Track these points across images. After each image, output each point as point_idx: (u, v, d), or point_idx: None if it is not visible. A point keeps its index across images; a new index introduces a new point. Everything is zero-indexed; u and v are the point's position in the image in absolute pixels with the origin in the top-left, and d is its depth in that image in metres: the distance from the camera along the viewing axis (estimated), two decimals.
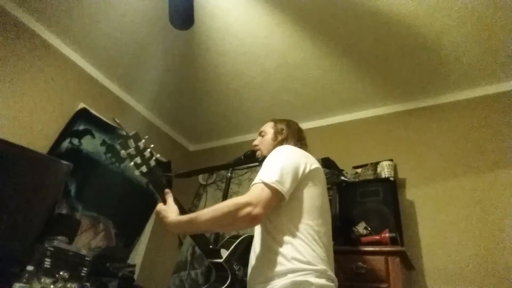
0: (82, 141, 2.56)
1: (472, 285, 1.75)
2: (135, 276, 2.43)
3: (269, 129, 1.53)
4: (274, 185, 1.04)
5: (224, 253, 1.26)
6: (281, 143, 1.39)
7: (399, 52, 2.16)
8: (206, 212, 1.05)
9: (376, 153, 2.37)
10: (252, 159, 1.56)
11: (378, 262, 1.64)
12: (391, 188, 1.99)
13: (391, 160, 2.20)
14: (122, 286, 2.13)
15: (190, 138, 3.62)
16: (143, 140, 1.13)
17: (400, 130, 2.47)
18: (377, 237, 1.72)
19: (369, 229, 1.79)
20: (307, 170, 1.16)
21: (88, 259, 1.83)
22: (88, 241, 2.47)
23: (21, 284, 1.51)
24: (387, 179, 2.07)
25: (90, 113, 2.66)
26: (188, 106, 3.08)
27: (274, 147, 1.35)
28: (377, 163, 2.22)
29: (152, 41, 2.44)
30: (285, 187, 1.06)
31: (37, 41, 2.43)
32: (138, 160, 1.11)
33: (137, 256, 2.87)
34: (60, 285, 1.63)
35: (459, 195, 2.02)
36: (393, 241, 1.70)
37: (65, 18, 2.36)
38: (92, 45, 2.57)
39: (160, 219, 1.15)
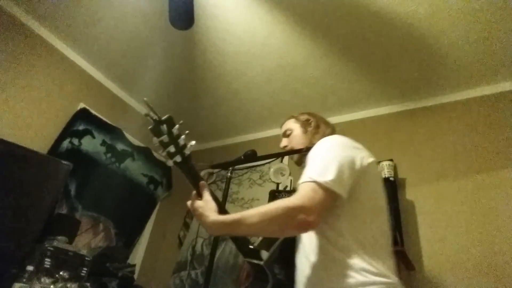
0: (82, 141, 2.56)
1: (472, 285, 1.75)
2: (135, 276, 2.43)
3: (292, 124, 1.38)
4: (329, 186, 0.90)
5: (264, 254, 1.13)
6: (316, 132, 1.27)
7: (399, 52, 2.16)
8: (253, 214, 0.91)
9: (376, 153, 2.34)
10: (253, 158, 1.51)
11: None
12: (391, 188, 1.99)
13: (391, 160, 2.20)
14: (122, 286, 2.13)
15: (189, 138, 3.62)
16: (177, 126, 0.97)
17: (400, 130, 2.47)
18: None
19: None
20: (364, 164, 1.02)
21: (88, 259, 1.83)
22: (88, 241, 2.47)
23: (21, 284, 1.51)
24: (387, 179, 2.07)
25: (90, 113, 2.66)
26: (188, 106, 3.08)
27: (310, 140, 1.24)
28: (377, 163, 2.22)
29: (152, 41, 2.44)
30: (342, 186, 0.92)
31: (37, 41, 2.43)
32: (172, 148, 0.95)
33: (137, 256, 2.87)
34: (60, 285, 1.63)
35: (459, 195, 2.02)
36: (393, 241, 1.70)
37: (65, 18, 2.36)
38: (92, 45, 2.57)
39: (197, 217, 1.00)
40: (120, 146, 2.84)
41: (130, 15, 2.26)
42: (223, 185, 1.71)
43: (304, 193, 0.90)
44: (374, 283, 0.85)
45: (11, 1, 2.27)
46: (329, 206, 0.93)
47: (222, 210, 1.01)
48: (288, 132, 1.37)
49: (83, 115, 2.60)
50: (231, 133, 3.35)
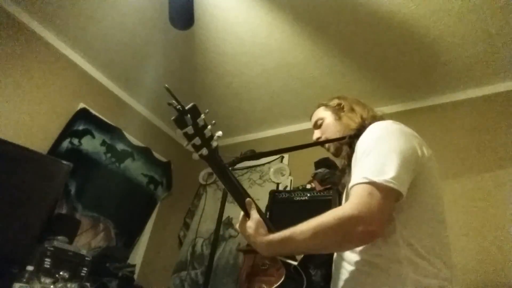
0: (82, 141, 2.56)
1: (472, 285, 1.75)
2: (135, 276, 2.43)
3: (323, 113, 1.21)
4: (390, 185, 0.75)
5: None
6: (352, 117, 1.10)
7: (399, 52, 2.16)
8: (305, 230, 0.79)
9: None
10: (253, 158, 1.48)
11: None
12: None
13: None
14: (122, 286, 2.13)
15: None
16: (203, 116, 0.88)
17: None
18: None
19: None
20: (425, 155, 0.87)
21: (88, 259, 1.83)
22: (88, 241, 2.47)
23: (21, 284, 1.51)
24: None
25: (90, 113, 2.66)
26: None
27: (347, 126, 1.09)
28: None
29: (152, 41, 2.44)
30: (404, 184, 0.78)
31: (37, 41, 2.43)
32: (197, 141, 0.87)
33: (137, 256, 2.87)
34: (60, 285, 1.63)
35: (460, 195, 2.02)
36: None
37: (65, 18, 2.36)
38: (92, 45, 2.57)
39: (246, 238, 0.91)
40: (120, 146, 2.84)
41: (130, 15, 2.26)
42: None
43: (359, 198, 0.76)
44: None
45: (11, 1, 2.27)
46: (392, 210, 0.80)
47: (269, 227, 0.92)
48: (319, 122, 1.21)
49: (83, 115, 2.60)
50: (231, 133, 3.35)
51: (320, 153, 1.95)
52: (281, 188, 2.67)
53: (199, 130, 0.87)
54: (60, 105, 2.50)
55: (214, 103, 2.97)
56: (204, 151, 0.88)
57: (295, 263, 0.97)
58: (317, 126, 1.22)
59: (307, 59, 2.35)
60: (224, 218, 2.58)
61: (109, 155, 2.74)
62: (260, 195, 2.75)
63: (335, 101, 1.21)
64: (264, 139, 3.13)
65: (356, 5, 1.93)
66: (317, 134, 1.21)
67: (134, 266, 2.44)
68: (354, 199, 0.77)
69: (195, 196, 3.21)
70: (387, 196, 0.76)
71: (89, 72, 2.75)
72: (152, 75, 2.78)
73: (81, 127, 2.56)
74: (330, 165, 2.17)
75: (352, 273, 0.86)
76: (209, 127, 0.90)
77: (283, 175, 2.75)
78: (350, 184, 0.82)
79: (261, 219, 0.90)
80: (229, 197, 2.83)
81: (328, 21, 2.06)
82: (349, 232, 0.75)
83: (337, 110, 1.18)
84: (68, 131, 2.48)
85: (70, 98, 2.58)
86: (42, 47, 2.46)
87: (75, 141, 2.51)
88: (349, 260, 0.88)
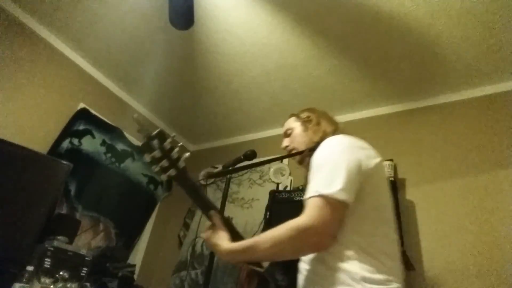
0: (82, 141, 2.56)
1: (472, 285, 1.75)
2: (135, 276, 2.43)
3: (293, 123, 1.33)
4: (338, 197, 0.85)
5: (265, 262, 1.13)
6: (317, 130, 1.21)
7: (399, 52, 2.16)
8: (264, 241, 0.89)
9: None
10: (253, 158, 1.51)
11: None
12: (391, 188, 1.97)
13: (391, 160, 2.20)
14: (122, 286, 2.13)
15: (190, 138, 3.62)
16: (169, 139, 0.93)
17: (400, 130, 2.47)
18: None
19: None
20: (371, 165, 0.96)
21: (88, 259, 1.83)
22: (88, 241, 2.47)
23: (21, 284, 1.51)
24: (387, 179, 2.07)
25: (90, 113, 2.66)
26: (188, 106, 3.08)
27: (311, 138, 1.20)
28: None
29: (152, 41, 2.44)
30: (350, 194, 0.87)
31: (37, 41, 2.43)
32: (165, 163, 0.92)
33: (137, 256, 2.87)
34: (60, 285, 1.63)
35: (459, 195, 2.02)
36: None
37: (65, 18, 2.36)
38: (92, 45, 2.57)
39: (210, 247, 1.00)
40: (120, 146, 2.84)
41: (130, 15, 2.26)
42: (223, 185, 1.71)
43: (312, 211, 0.86)
44: None
45: (11, 1, 2.27)
46: (342, 218, 0.89)
47: (238, 237, 0.99)
48: (288, 132, 1.33)
49: (83, 115, 2.60)
50: (231, 133, 3.35)
51: None
52: (281, 188, 2.67)
53: (166, 153, 0.93)
54: (60, 105, 2.50)
55: (214, 103, 2.97)
56: (172, 171, 0.94)
57: (261, 270, 1.04)
58: (286, 135, 1.34)
59: (307, 59, 2.35)
60: None
61: (109, 155, 2.74)
62: (260, 195, 2.75)
63: (305, 113, 1.32)
64: (264, 139, 3.13)
65: (356, 5, 1.93)
66: (285, 142, 1.33)
67: (134, 266, 2.44)
68: (307, 211, 0.86)
69: None
70: (336, 207, 0.86)
71: (89, 72, 2.75)
72: (152, 75, 2.78)
73: (81, 127, 2.56)
74: None
75: (311, 275, 0.95)
76: (176, 149, 0.95)
77: (283, 175, 2.75)
78: (305, 197, 0.91)
79: (224, 229, 0.99)
80: (229, 198, 2.85)
81: (328, 22, 2.06)
82: (304, 242, 0.86)
83: (306, 122, 1.29)
84: (68, 131, 2.48)
85: (70, 98, 2.58)
86: (42, 47, 2.46)
87: (75, 141, 2.51)
88: (310, 264, 0.97)
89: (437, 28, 1.96)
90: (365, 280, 0.83)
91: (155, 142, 0.91)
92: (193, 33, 2.29)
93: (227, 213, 2.56)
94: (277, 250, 0.88)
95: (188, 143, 3.68)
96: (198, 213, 3.06)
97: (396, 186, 2.10)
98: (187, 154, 0.98)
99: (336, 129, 1.24)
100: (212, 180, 3.17)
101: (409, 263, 1.83)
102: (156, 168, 0.92)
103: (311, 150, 1.09)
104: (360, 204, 0.91)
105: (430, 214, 2.05)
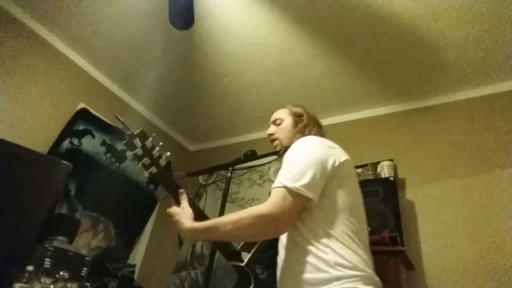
0: (82, 141, 2.56)
1: (472, 285, 1.75)
2: (135, 276, 2.43)
3: (285, 115, 1.36)
4: (299, 191, 0.92)
5: (246, 256, 1.17)
6: (302, 130, 1.26)
7: (399, 52, 2.16)
8: (225, 223, 0.95)
9: (376, 153, 2.37)
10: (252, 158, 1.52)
11: (378, 262, 1.64)
12: (391, 188, 1.99)
13: (391, 160, 2.20)
14: (122, 286, 2.13)
15: (190, 138, 3.62)
16: (150, 139, 1.01)
17: (400, 130, 2.47)
18: (377, 237, 1.72)
19: (369, 229, 1.78)
20: (336, 164, 1.02)
21: (88, 259, 1.83)
22: (88, 241, 2.47)
23: (21, 284, 1.51)
24: (387, 179, 2.07)
25: (90, 113, 2.66)
26: (188, 106, 3.08)
27: (295, 136, 1.24)
28: (377, 163, 2.22)
29: (152, 41, 2.44)
30: (313, 190, 0.94)
31: (37, 41, 2.43)
32: (146, 161, 1.01)
33: (137, 256, 2.87)
34: (60, 285, 1.63)
35: (459, 195, 2.02)
36: (393, 241, 1.71)
37: (65, 18, 2.36)
38: (92, 45, 2.57)
39: (173, 223, 1.05)
40: (120, 146, 2.84)
41: (130, 15, 2.26)
42: (223, 185, 1.71)
43: (274, 200, 0.93)
44: (349, 276, 0.88)
45: (11, 1, 2.27)
46: (300, 209, 0.96)
47: (201, 216, 1.06)
48: (278, 122, 1.36)
49: (83, 115, 2.60)
50: (231, 133, 3.35)
51: None
52: None
53: (148, 152, 1.01)
54: (60, 105, 2.50)
55: (214, 103, 2.97)
56: (153, 169, 1.02)
57: (242, 264, 1.10)
58: (275, 123, 1.38)
59: (307, 59, 2.35)
60: None
61: (109, 155, 2.74)
62: (260, 195, 2.75)
63: (299, 110, 1.34)
64: (264, 139, 3.12)
65: (356, 5, 1.93)
66: (272, 129, 1.38)
67: (134, 266, 2.44)
68: (270, 200, 0.94)
69: (195, 196, 3.21)
70: (297, 200, 0.93)
71: (89, 72, 2.75)
72: (152, 75, 2.78)
73: (81, 127, 2.56)
74: None
75: (287, 263, 1.02)
76: (157, 148, 1.03)
77: None
78: (271, 187, 0.98)
79: (189, 208, 1.05)
80: (229, 197, 2.85)
81: (328, 22, 2.06)
82: (263, 226, 0.92)
83: (297, 120, 1.31)
84: (68, 131, 2.47)
85: (70, 98, 2.58)
86: (42, 47, 2.45)
87: (75, 141, 2.51)
88: (286, 252, 1.03)
89: (437, 28, 1.96)
90: (338, 264, 0.89)
91: (137, 141, 0.98)
92: (193, 33, 2.29)
93: (227, 213, 2.57)
94: (237, 233, 0.94)
95: (188, 143, 3.68)
96: None
97: (396, 186, 2.10)
98: (168, 153, 1.06)
99: (321, 134, 1.28)
100: (212, 180, 3.17)
101: (409, 263, 1.83)
102: (137, 165, 1.00)
103: (286, 150, 1.14)
104: (329, 197, 0.99)
105: (430, 214, 2.05)
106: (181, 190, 1.09)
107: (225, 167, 1.56)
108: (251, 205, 2.79)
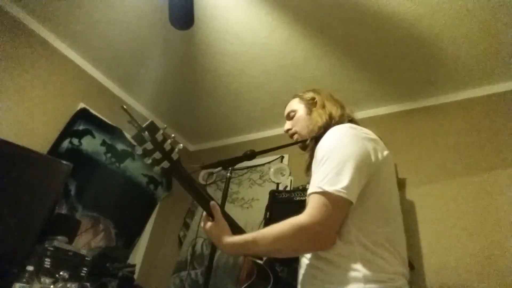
0: (82, 141, 2.56)
1: (472, 285, 1.75)
2: (135, 276, 2.43)
3: (296, 105, 1.26)
4: (341, 195, 0.81)
5: None
6: (322, 113, 1.13)
7: (399, 52, 2.16)
8: (266, 236, 0.87)
9: None
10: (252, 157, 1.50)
11: None
12: None
13: None
14: (122, 286, 2.13)
15: (190, 138, 3.62)
16: (161, 131, 0.90)
17: (400, 130, 2.46)
18: None
19: None
20: (379, 159, 0.92)
21: (88, 259, 1.83)
22: (88, 241, 2.47)
23: (21, 284, 1.51)
24: None
25: (90, 113, 2.66)
26: (188, 106, 3.08)
27: (315, 122, 1.12)
28: None
29: (152, 41, 2.44)
30: (354, 192, 0.83)
31: (36, 41, 2.43)
32: (157, 155, 0.89)
33: (137, 256, 2.87)
34: (60, 285, 1.63)
35: (459, 195, 2.02)
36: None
37: (65, 18, 2.36)
38: (92, 45, 2.57)
39: (210, 236, 0.99)
40: (120, 146, 2.84)
41: (130, 15, 2.26)
42: (223, 185, 1.71)
43: (315, 208, 0.82)
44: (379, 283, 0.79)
45: (11, 1, 2.27)
46: (344, 216, 0.85)
47: (235, 227, 0.99)
48: (291, 114, 1.26)
49: (83, 115, 2.60)
50: (231, 133, 3.35)
51: None
52: (281, 188, 2.67)
53: (158, 145, 0.90)
54: (60, 105, 2.50)
55: (214, 103, 2.97)
56: (165, 164, 0.91)
57: (260, 261, 1.04)
58: (289, 117, 1.27)
59: (307, 59, 2.35)
60: None
61: (109, 155, 2.74)
62: (260, 195, 2.75)
63: (310, 94, 1.25)
64: (264, 139, 3.13)
65: (356, 5, 1.93)
66: (288, 125, 1.26)
67: (134, 266, 2.44)
68: (309, 209, 0.83)
69: None
70: (339, 205, 0.82)
71: (89, 72, 2.75)
72: (152, 75, 2.78)
73: (81, 127, 2.56)
74: None
75: (310, 269, 0.92)
76: (168, 141, 0.91)
77: (283, 175, 2.75)
78: (308, 192, 0.87)
79: (223, 221, 0.97)
80: (229, 198, 2.85)
81: (328, 21, 2.06)
82: (305, 240, 0.83)
83: (310, 105, 1.22)
84: (68, 131, 2.48)
85: (70, 98, 2.58)
86: (42, 47, 2.45)
87: (75, 141, 2.51)
88: (308, 256, 0.94)
89: (437, 28, 1.96)
90: (367, 279, 0.79)
91: (146, 134, 0.88)
92: (193, 33, 2.29)
93: None
94: (277, 246, 0.86)
95: (188, 143, 3.68)
96: (198, 213, 3.06)
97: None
98: (181, 145, 0.95)
99: (343, 113, 1.16)
100: (212, 180, 3.17)
101: (409, 263, 1.83)
102: (148, 161, 0.89)
103: (314, 138, 1.06)
104: (365, 200, 0.87)
105: (430, 214, 2.05)
106: (212, 203, 1.00)
107: (243, 159, 1.45)
108: (251, 205, 2.79)
